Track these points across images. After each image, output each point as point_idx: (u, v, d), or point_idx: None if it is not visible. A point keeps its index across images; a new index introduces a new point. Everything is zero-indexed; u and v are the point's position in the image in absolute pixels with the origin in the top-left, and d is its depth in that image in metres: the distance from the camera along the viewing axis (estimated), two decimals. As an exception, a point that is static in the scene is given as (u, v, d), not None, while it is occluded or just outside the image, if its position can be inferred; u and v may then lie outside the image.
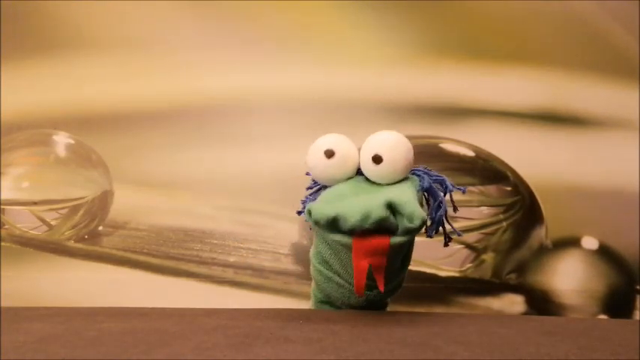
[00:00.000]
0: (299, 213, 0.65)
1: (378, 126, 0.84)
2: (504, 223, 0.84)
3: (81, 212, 0.85)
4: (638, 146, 0.85)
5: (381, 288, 0.56)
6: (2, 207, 0.85)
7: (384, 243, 0.54)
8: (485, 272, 0.84)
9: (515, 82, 0.85)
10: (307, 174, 0.63)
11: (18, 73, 0.87)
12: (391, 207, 0.54)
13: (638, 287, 0.84)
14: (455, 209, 0.63)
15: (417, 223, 0.54)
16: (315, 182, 0.64)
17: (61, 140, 0.86)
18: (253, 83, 0.86)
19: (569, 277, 0.84)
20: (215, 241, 0.85)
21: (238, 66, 0.87)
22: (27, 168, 0.86)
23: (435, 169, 0.61)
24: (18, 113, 0.87)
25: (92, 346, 0.44)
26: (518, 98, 0.86)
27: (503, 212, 0.84)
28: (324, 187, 0.61)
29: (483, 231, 0.84)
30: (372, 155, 0.58)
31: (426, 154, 0.84)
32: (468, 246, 0.84)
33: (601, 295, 0.84)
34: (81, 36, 0.88)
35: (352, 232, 0.55)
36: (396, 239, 0.55)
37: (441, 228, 0.63)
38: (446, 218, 0.62)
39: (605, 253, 0.84)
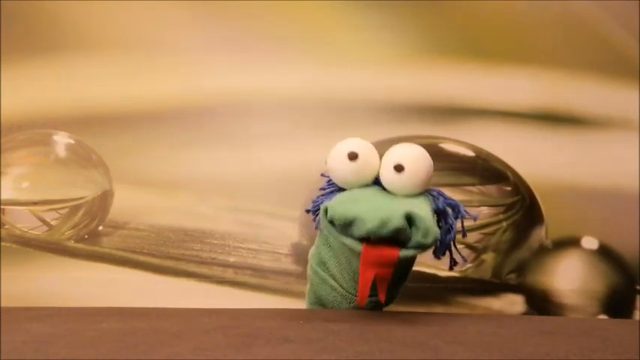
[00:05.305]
0: (308, 211, 0.65)
1: (378, 126, 0.84)
2: (504, 223, 0.84)
3: (81, 212, 0.85)
4: (638, 146, 0.85)
5: (382, 299, 0.56)
6: (2, 207, 0.85)
7: (393, 254, 0.55)
8: (486, 272, 0.84)
9: (515, 82, 0.85)
10: (322, 175, 0.63)
11: (18, 73, 0.87)
12: (409, 219, 0.55)
13: (638, 287, 0.84)
14: (464, 234, 0.63)
15: (430, 240, 0.55)
16: (329, 185, 0.64)
17: (61, 140, 0.86)
18: (253, 83, 0.86)
19: (569, 277, 0.84)
20: (215, 241, 0.85)
21: (238, 66, 0.87)
22: (27, 168, 0.86)
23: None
24: (18, 113, 0.87)
25: (92, 346, 0.44)
26: (518, 98, 0.86)
27: (504, 212, 0.84)
28: (339, 190, 0.61)
29: (483, 231, 0.84)
30: (395, 164, 0.58)
31: (426, 154, 0.84)
32: (468, 246, 0.84)
33: (601, 295, 0.84)
34: (81, 36, 0.87)
35: (364, 239, 0.55)
36: (406, 252, 0.55)
37: (448, 251, 0.63)
38: (454, 243, 0.62)
39: (605, 253, 0.84)
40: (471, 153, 0.84)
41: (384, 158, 0.60)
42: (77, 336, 0.47)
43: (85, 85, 0.87)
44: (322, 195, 0.63)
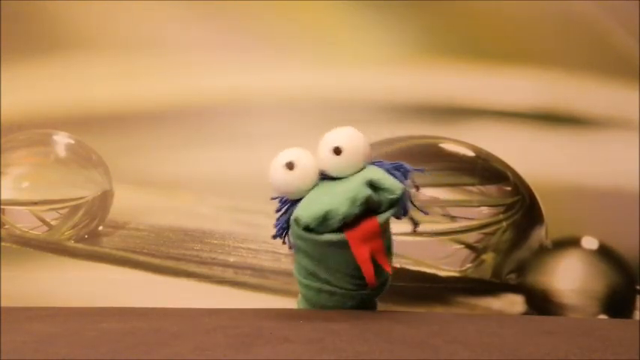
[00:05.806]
0: (275, 237, 0.66)
1: (378, 126, 0.84)
2: (504, 223, 0.84)
3: (81, 212, 0.85)
4: (638, 146, 0.85)
5: (388, 268, 0.59)
6: (2, 207, 0.85)
7: (373, 224, 0.57)
8: (486, 272, 0.84)
9: (515, 82, 0.85)
10: (272, 198, 0.65)
11: (18, 73, 0.87)
12: (371, 185, 0.58)
13: (638, 287, 0.84)
14: (417, 188, 0.65)
15: (398, 192, 0.58)
16: (282, 204, 0.65)
17: (61, 140, 0.87)
18: (253, 83, 0.86)
19: (569, 277, 0.84)
20: (215, 241, 0.85)
21: (238, 66, 0.87)
22: (27, 168, 0.86)
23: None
24: (18, 113, 0.87)
25: (92, 346, 0.44)
26: (518, 98, 0.86)
27: (504, 212, 0.84)
28: (293, 204, 0.62)
29: (483, 231, 0.84)
30: (333, 148, 0.60)
31: (426, 154, 0.84)
32: (468, 246, 0.84)
33: (601, 295, 0.84)
34: (81, 36, 0.88)
35: (342, 226, 0.57)
36: (383, 215, 0.58)
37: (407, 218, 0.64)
38: (411, 201, 0.63)
39: (605, 253, 0.84)
40: (471, 153, 0.84)
41: (320, 147, 0.62)
42: (77, 336, 0.47)
43: (85, 85, 0.87)
44: (281, 216, 0.65)
